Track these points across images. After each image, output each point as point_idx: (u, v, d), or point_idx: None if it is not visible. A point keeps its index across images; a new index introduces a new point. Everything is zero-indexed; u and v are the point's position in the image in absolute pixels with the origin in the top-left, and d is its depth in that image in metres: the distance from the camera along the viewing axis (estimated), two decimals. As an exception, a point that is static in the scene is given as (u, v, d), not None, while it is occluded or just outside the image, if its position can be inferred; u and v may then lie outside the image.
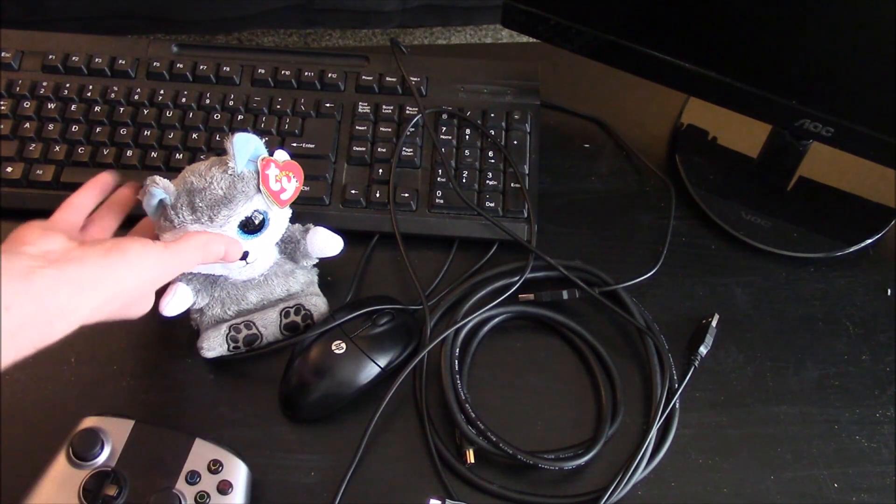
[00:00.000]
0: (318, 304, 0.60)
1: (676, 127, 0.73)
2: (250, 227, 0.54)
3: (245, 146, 0.53)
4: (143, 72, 0.70)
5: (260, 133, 0.66)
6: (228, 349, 0.58)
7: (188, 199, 0.52)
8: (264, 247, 0.57)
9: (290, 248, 0.60)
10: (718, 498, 0.57)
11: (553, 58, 0.70)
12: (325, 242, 0.60)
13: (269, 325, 0.59)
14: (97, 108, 0.68)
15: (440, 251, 0.66)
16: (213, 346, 0.57)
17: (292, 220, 0.59)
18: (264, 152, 0.55)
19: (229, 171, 0.53)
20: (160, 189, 0.51)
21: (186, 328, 0.60)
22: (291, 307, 0.59)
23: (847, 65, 0.56)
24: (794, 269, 0.66)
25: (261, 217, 0.54)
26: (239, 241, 0.54)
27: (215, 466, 0.51)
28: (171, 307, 0.56)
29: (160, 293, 0.55)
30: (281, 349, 0.59)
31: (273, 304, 0.60)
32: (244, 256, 0.55)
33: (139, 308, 0.52)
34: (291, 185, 0.56)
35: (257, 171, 0.53)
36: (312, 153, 0.66)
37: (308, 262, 0.61)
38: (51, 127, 0.67)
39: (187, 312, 0.58)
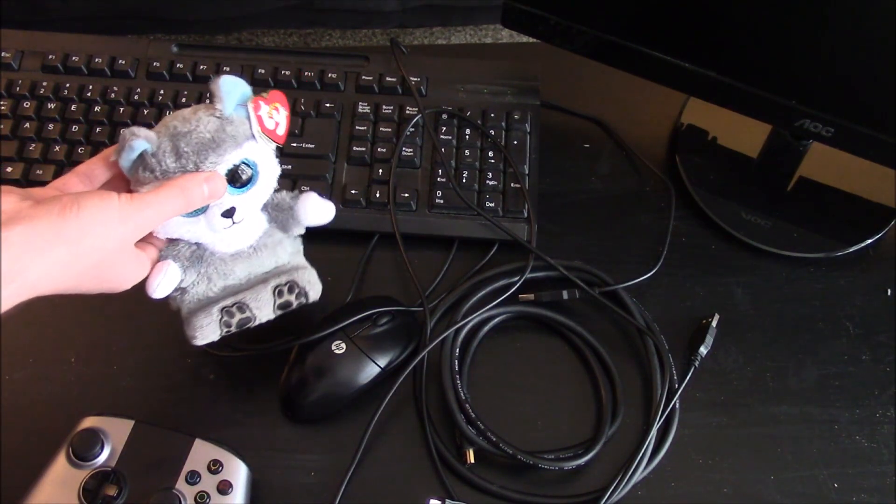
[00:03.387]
0: (311, 279, 0.55)
1: (676, 127, 0.73)
2: (238, 179, 0.50)
3: (234, 88, 0.49)
4: (143, 72, 0.70)
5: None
6: (221, 334, 0.53)
7: (172, 144, 0.47)
8: (252, 205, 0.52)
9: (280, 217, 0.55)
10: (718, 498, 0.57)
11: (553, 58, 0.70)
12: (317, 208, 0.56)
13: (262, 307, 0.54)
14: (97, 108, 0.68)
15: (440, 251, 0.65)
16: (208, 334, 0.53)
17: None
18: (251, 94, 0.51)
19: (217, 114, 0.49)
20: (142, 140, 0.46)
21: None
22: (284, 285, 0.54)
23: (847, 65, 0.56)
24: (794, 269, 0.66)
25: (249, 171, 0.50)
26: (223, 182, 0.49)
27: (215, 466, 0.51)
28: (162, 288, 0.50)
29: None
30: (281, 351, 0.59)
31: (262, 280, 0.55)
32: (230, 214, 0.50)
33: (115, 277, 0.47)
34: (282, 116, 0.52)
35: (248, 116, 0.50)
36: (312, 153, 0.66)
37: (297, 231, 0.57)
38: (51, 127, 0.67)
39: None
